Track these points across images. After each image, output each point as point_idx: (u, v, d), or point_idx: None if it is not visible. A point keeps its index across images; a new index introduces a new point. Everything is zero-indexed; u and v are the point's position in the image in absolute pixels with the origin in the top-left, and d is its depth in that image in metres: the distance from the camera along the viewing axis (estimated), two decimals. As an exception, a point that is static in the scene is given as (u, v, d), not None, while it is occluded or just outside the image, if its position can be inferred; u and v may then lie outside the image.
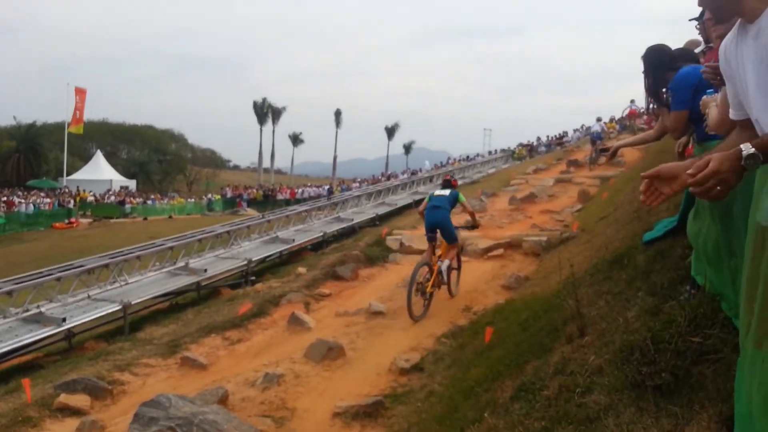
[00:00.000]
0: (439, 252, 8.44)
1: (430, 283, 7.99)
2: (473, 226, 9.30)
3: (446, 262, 8.30)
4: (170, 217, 34.14)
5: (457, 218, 10.24)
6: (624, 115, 26.95)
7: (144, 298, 11.00)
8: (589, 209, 13.21)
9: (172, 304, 12.22)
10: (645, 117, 28.25)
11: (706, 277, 3.53)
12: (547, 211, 14.76)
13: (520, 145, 39.52)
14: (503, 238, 11.70)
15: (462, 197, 8.85)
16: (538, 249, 10.83)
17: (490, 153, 41.88)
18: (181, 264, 12.41)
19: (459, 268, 9.06)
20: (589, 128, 37.61)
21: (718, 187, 1.55)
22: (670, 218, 5.73)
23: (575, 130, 38.22)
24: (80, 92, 41.18)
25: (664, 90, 3.99)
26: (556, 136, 39.30)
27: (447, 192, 8.77)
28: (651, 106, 4.38)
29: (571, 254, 8.95)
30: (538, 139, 40.00)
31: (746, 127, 1.82)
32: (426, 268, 8.04)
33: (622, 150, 18.45)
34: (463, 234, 9.62)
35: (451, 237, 8.45)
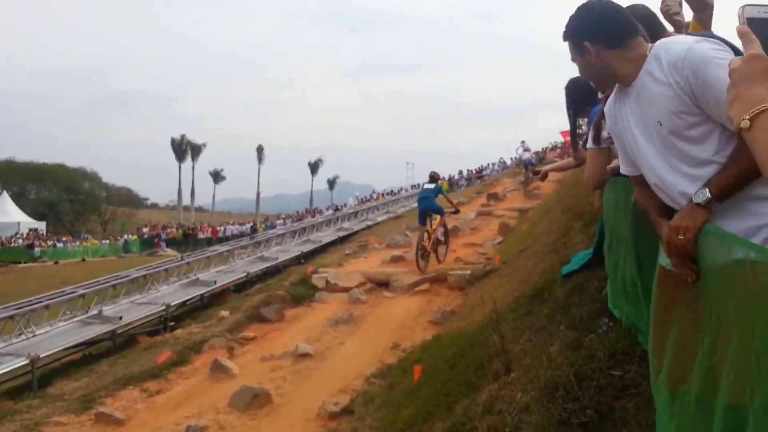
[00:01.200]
0: (433, 226, 12.04)
1: (429, 245, 11.80)
2: (456, 210, 13.23)
3: (440, 230, 12.27)
4: (83, 260, 32.52)
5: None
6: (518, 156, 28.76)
7: (54, 351, 10.29)
8: (510, 241, 13.55)
9: (85, 356, 11.53)
10: (558, 150, 29.71)
11: (622, 310, 3.66)
12: (470, 244, 15.04)
13: (443, 178, 40.42)
14: (429, 273, 11.80)
15: (444, 188, 12.99)
16: (462, 283, 10.99)
17: (413, 187, 42.54)
18: (94, 312, 11.75)
19: (447, 243, 12.71)
20: (504, 162, 39.11)
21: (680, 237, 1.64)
22: (585, 251, 5.95)
23: (494, 164, 39.53)
24: (-17, 130, 38.88)
25: (581, 123, 4.15)
26: (475, 169, 40.46)
27: (432, 185, 12.78)
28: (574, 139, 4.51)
29: (494, 287, 9.13)
30: (459, 172, 41.03)
31: (639, 182, 1.92)
32: (426, 234, 11.77)
33: (538, 183, 19.10)
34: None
35: (439, 211, 12.39)
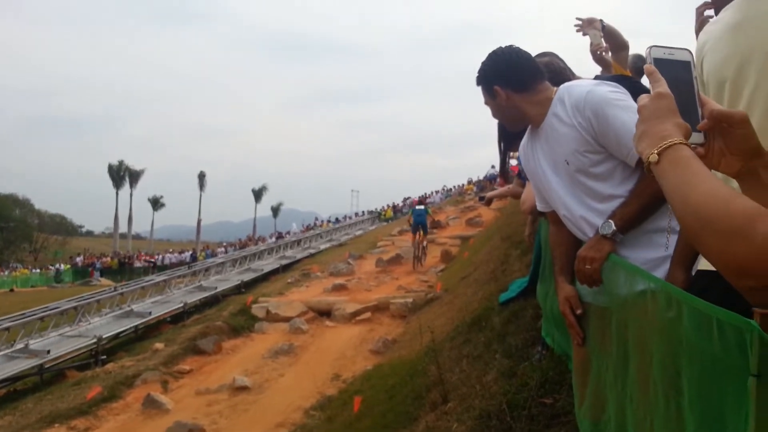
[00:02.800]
0: (419, 238, 15.82)
1: (420, 250, 15.88)
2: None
3: (425, 242, 16.19)
4: (11, 290, 30.93)
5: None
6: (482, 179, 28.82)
7: (-27, 388, 9.70)
8: (452, 269, 13.70)
9: (10, 392, 10.89)
10: (498, 180, 30.43)
11: (554, 338, 3.74)
12: (412, 272, 15.12)
13: (387, 206, 40.62)
14: (371, 302, 11.78)
15: (429, 210, 18.11)
16: (404, 311, 11.01)
17: (357, 214, 42.59)
18: (20, 345, 11.12)
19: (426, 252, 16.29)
20: (448, 190, 39.74)
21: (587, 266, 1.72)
22: (522, 278, 6.08)
23: (437, 191, 40.04)
24: None
25: (512, 156, 4.26)
26: (419, 197, 40.89)
27: (422, 207, 17.49)
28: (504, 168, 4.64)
29: (435, 315, 9.19)
30: (404, 200, 41.37)
31: (553, 220, 2.03)
32: (419, 244, 15.81)
33: (480, 210, 19.36)
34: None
35: (426, 230, 16.39)
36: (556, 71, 2.34)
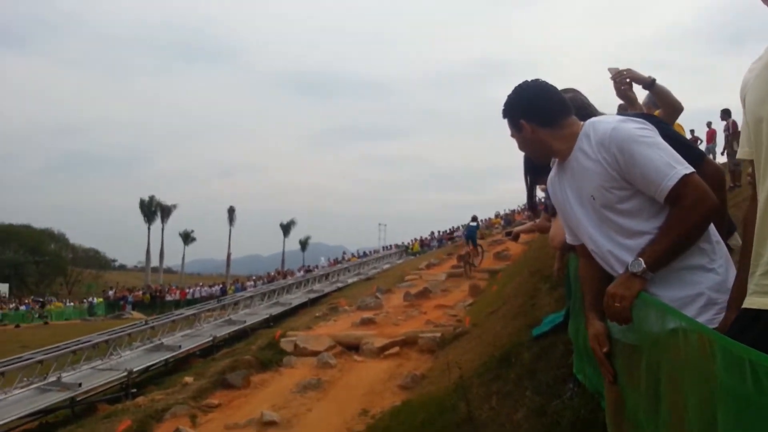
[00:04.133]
0: (469, 248, 19.22)
1: (469, 259, 18.81)
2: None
3: (479, 248, 19.73)
4: (46, 323, 31.50)
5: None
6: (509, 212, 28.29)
7: (8, 420, 9.84)
8: (480, 303, 13.56)
9: (42, 424, 11.03)
10: (526, 213, 30.21)
11: (585, 374, 3.66)
12: (440, 306, 15.00)
13: (414, 239, 40.58)
14: (399, 336, 11.68)
15: (479, 226, 21.56)
16: (433, 345, 10.88)
17: (384, 248, 42.59)
18: (52, 378, 11.31)
19: (482, 257, 19.72)
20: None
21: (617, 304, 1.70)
22: (556, 313, 5.99)
23: (464, 225, 39.88)
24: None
25: (541, 188, 4.25)
26: (447, 231, 40.77)
27: (474, 224, 20.32)
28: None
29: (464, 350, 9.08)
30: (431, 234, 41.29)
31: (582, 253, 2.01)
32: (468, 254, 18.96)
33: (508, 244, 19.22)
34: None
35: (475, 242, 19.59)
36: (580, 107, 2.35)
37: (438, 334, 11.12)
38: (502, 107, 1.96)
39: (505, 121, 1.97)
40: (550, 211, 3.89)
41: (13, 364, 11.11)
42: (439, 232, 41.18)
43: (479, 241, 20.45)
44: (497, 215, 37.86)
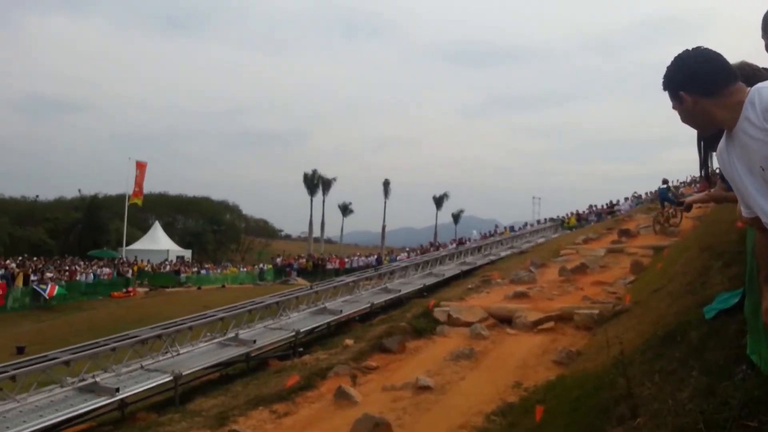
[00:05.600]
0: (668, 208, 19.46)
1: (663, 220, 19.25)
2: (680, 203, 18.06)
3: (672, 210, 19.08)
4: (223, 286, 34.80)
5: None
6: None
7: (194, 369, 11.12)
8: (642, 281, 12.87)
9: (222, 375, 12.30)
10: (698, 185, 27.79)
11: (761, 356, 3.42)
12: (598, 282, 14.45)
13: (571, 213, 39.11)
14: (553, 311, 11.48)
15: (670, 187, 21.46)
16: (589, 322, 10.58)
17: (539, 222, 41.53)
18: (231, 335, 12.57)
19: (680, 216, 18.60)
20: (638, 197, 37.16)
21: None
22: (732, 291, 5.55)
23: (626, 199, 37.64)
24: (141, 166, 43.32)
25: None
26: (606, 204, 38.78)
27: (665, 186, 20.74)
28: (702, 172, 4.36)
29: (624, 328, 8.72)
30: (589, 207, 39.52)
31: (759, 226, 1.90)
32: (661, 215, 19.60)
33: (675, 220, 17.97)
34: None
35: (671, 201, 19.40)
36: (749, 76, 2.19)
37: (595, 311, 10.78)
38: (662, 79, 1.91)
39: (666, 93, 1.92)
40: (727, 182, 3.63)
41: (198, 320, 12.49)
42: (597, 205, 39.27)
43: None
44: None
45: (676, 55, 1.90)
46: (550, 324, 11.00)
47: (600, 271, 16.13)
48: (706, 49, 1.87)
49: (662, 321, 6.90)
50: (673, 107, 1.93)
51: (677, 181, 33.72)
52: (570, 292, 13.72)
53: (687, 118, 1.93)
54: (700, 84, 1.82)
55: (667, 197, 20.20)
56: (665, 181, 21.05)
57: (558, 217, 39.62)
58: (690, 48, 1.89)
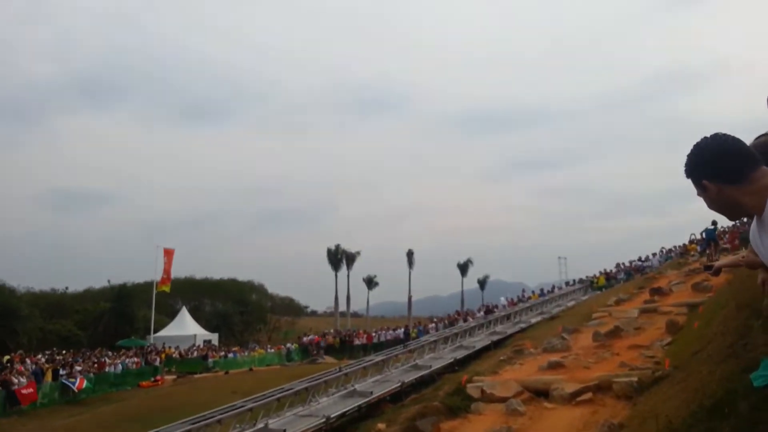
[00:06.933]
0: (711, 249, 20.29)
1: (712, 259, 16.76)
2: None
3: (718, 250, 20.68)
4: (251, 369, 34.44)
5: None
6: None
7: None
8: (680, 342, 12.46)
9: (254, 469, 11.96)
10: (727, 236, 27.29)
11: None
12: (634, 346, 14.00)
13: (599, 273, 38.45)
14: (591, 380, 11.09)
15: (716, 229, 21.11)
16: (629, 391, 10.18)
17: (567, 283, 40.85)
18: (260, 425, 12.30)
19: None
20: (667, 251, 36.51)
21: None
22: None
23: (654, 254, 37.02)
24: (168, 253, 43.99)
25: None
26: (634, 261, 38.12)
27: (713, 227, 20.52)
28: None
29: (666, 397, 8.38)
30: (617, 266, 38.87)
31: None
32: (710, 254, 20.01)
33: (706, 274, 17.52)
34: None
35: (717, 242, 20.46)
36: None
37: (634, 378, 10.39)
38: (684, 167, 1.88)
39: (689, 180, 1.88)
40: None
41: (227, 412, 12.25)
42: (625, 263, 38.62)
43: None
44: (692, 240, 34.63)
45: (695, 143, 1.87)
46: (589, 395, 10.60)
47: (635, 333, 15.66)
48: (725, 135, 1.83)
49: (707, 389, 6.61)
50: (698, 194, 1.89)
51: (701, 235, 33.15)
52: (606, 359, 13.29)
53: (712, 205, 1.88)
54: (722, 171, 1.77)
55: (713, 238, 20.84)
56: (714, 223, 20.95)
57: (586, 277, 38.97)
58: (708, 135, 1.86)
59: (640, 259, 37.92)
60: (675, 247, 36.70)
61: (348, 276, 68.63)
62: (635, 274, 34.79)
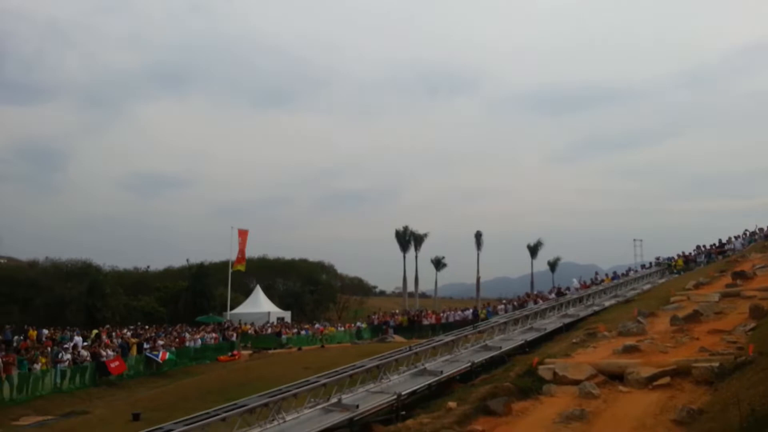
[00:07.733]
0: None
1: None
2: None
3: None
4: (322, 346, 35.27)
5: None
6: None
7: (300, 436, 11.21)
8: (765, 327, 11.93)
9: (325, 442, 12.30)
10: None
11: None
12: (715, 331, 13.52)
13: (678, 255, 36.99)
14: (668, 365, 10.83)
15: None
16: (710, 376, 9.89)
17: (643, 266, 39.52)
18: (334, 400, 12.64)
19: None
20: (750, 234, 34.68)
21: None
22: None
23: (737, 237, 35.28)
24: (242, 233, 45.60)
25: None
26: (715, 244, 36.46)
27: None
28: None
29: (750, 383, 8.10)
30: (697, 248, 37.29)
31: None
32: None
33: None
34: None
35: None
36: None
37: (715, 364, 10.08)
38: None
39: None
40: None
41: (302, 387, 12.65)
42: (706, 245, 37.00)
43: None
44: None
45: None
46: (666, 379, 10.37)
47: (715, 318, 15.11)
48: None
49: (794, 376, 6.37)
50: None
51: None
52: (684, 343, 12.91)
53: None
54: None
55: None
56: None
57: (664, 259, 37.57)
58: None
59: (721, 242, 36.25)
60: (759, 229, 34.83)
61: (416, 257, 68.94)
62: (716, 256, 33.32)
